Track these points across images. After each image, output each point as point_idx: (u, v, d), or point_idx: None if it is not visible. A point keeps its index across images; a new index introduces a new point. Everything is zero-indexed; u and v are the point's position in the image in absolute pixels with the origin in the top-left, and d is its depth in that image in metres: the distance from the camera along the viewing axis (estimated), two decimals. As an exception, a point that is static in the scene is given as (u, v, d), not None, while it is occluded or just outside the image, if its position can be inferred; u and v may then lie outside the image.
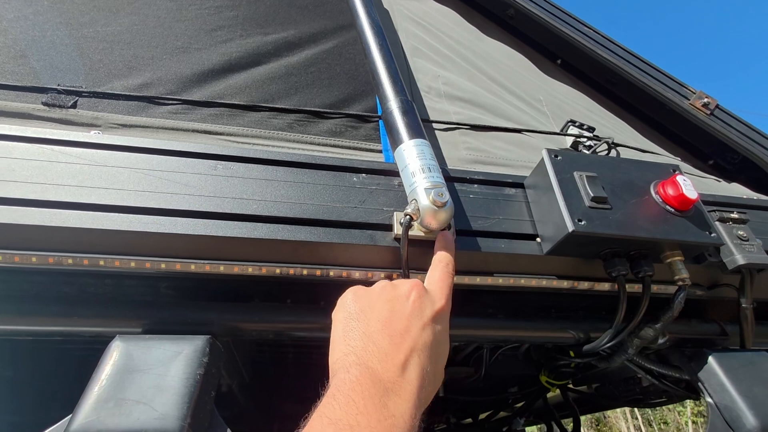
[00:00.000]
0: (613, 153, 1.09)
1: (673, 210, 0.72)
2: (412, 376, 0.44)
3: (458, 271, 0.73)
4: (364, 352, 0.46)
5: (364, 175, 0.77)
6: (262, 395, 1.15)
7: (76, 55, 0.90)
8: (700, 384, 0.74)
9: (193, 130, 0.82)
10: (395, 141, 0.74)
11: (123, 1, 1.08)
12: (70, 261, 0.61)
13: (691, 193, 0.71)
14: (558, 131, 1.12)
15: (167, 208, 0.65)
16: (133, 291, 0.68)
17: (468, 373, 0.99)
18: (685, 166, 1.16)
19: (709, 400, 0.72)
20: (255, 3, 1.21)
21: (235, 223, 0.66)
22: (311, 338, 0.73)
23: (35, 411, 1.08)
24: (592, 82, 1.41)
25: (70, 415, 0.51)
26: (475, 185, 0.81)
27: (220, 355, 0.62)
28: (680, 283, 0.72)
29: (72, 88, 0.82)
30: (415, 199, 0.66)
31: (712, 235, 0.71)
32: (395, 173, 0.78)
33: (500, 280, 0.74)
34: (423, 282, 0.58)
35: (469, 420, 1.49)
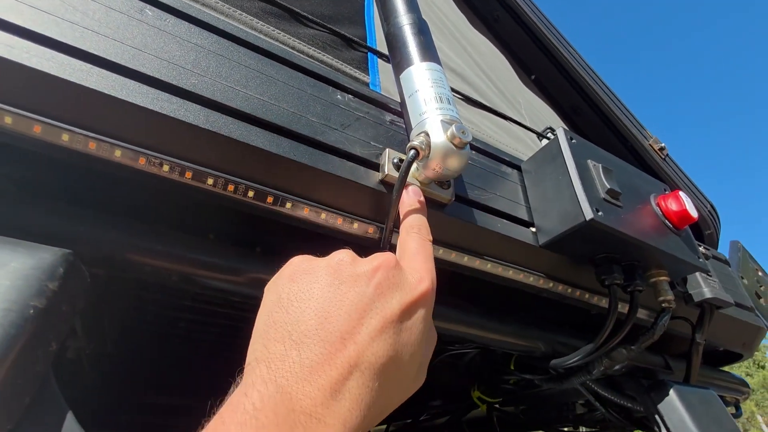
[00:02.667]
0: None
1: (671, 226, 0.67)
2: (344, 407, 0.27)
3: (447, 244, 0.58)
4: (281, 362, 0.28)
5: (350, 96, 0.58)
6: (122, 373, 0.84)
7: None
8: (657, 417, 0.69)
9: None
10: (402, 61, 0.58)
11: None
12: None
13: (693, 212, 0.66)
14: (539, 132, 1.05)
15: (42, 33, 0.39)
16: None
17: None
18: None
19: (666, 433, 0.66)
20: None
21: (157, 91, 0.42)
22: (232, 292, 0.50)
23: None
24: (559, 105, 1.41)
25: None
26: (474, 152, 0.68)
27: (85, 287, 0.37)
28: (665, 304, 0.66)
29: None
30: (425, 132, 0.49)
31: (701, 260, 0.67)
32: (389, 108, 0.61)
33: (488, 266, 0.60)
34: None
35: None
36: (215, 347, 0.89)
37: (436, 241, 0.56)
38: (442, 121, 0.49)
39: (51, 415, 0.28)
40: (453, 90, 0.89)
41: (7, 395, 0.26)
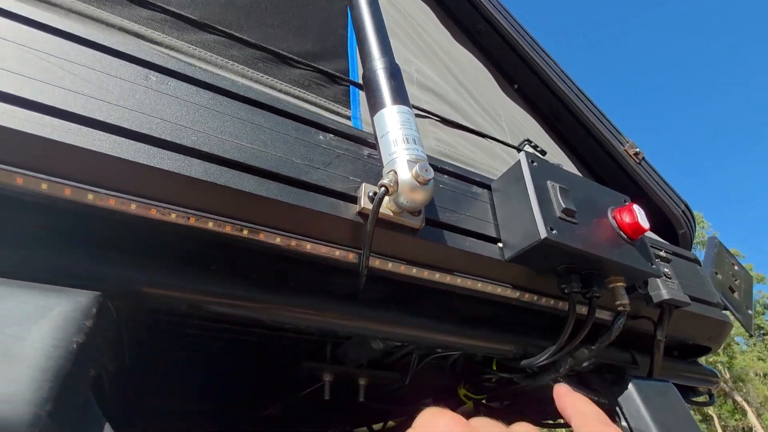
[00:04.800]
0: (559, 179, 1.12)
1: (625, 236, 0.74)
2: None
3: (419, 264, 0.66)
4: None
5: (331, 135, 0.66)
6: (135, 386, 0.93)
7: None
8: (617, 408, 0.77)
9: (121, 28, 0.63)
10: (376, 104, 0.65)
11: None
12: None
13: (644, 223, 0.73)
14: (516, 146, 1.13)
15: (66, 110, 0.47)
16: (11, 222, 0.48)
17: (394, 379, 0.91)
18: (611, 205, 1.25)
19: (624, 424, 0.74)
20: None
21: (163, 151, 0.50)
22: (233, 315, 0.59)
23: None
24: (541, 112, 1.47)
25: None
26: (446, 176, 0.75)
27: (112, 321, 0.45)
28: (621, 308, 0.73)
29: None
30: (394, 171, 0.57)
31: (653, 266, 0.75)
32: (367, 143, 0.68)
33: (458, 281, 0.68)
34: None
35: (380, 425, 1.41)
36: (220, 356, 0.98)
37: (410, 262, 0.65)
38: (408, 160, 0.57)
39: (96, 429, 0.37)
40: (431, 113, 0.96)
41: (59, 415, 0.35)
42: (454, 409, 0.98)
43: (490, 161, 0.98)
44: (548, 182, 0.72)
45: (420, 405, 1.18)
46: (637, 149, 1.26)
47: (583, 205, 0.74)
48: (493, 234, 0.73)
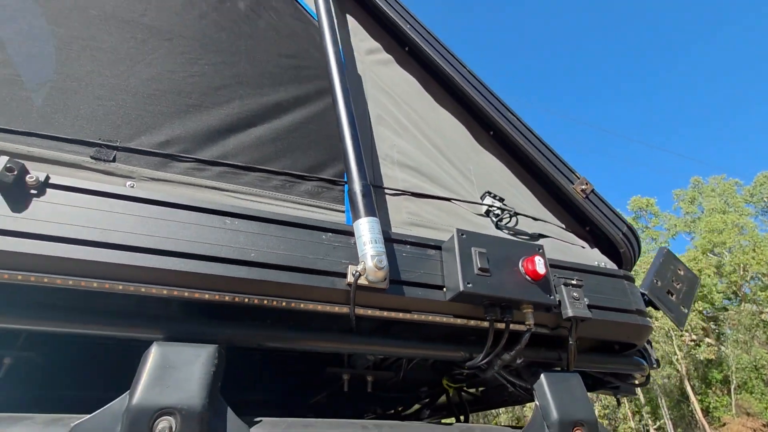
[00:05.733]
0: (513, 220, 1.48)
1: (530, 279, 1.11)
2: None
3: (390, 308, 1.08)
4: None
5: (330, 234, 1.09)
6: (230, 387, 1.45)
7: (110, 107, 1.14)
8: (534, 392, 1.14)
9: (206, 187, 1.09)
10: (356, 214, 1.07)
11: (141, 51, 1.31)
12: (120, 287, 0.88)
13: (541, 270, 1.10)
14: (478, 199, 1.50)
15: (187, 252, 0.93)
16: (163, 309, 0.96)
17: (390, 376, 1.34)
18: (565, 234, 1.58)
19: (536, 402, 1.12)
20: (252, 63, 1.47)
21: (240, 267, 0.95)
22: (283, 348, 1.04)
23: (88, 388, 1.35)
24: (512, 152, 1.81)
25: (127, 393, 0.79)
26: (408, 245, 1.16)
27: (223, 359, 0.91)
28: (527, 327, 1.11)
29: (110, 143, 1.06)
30: (363, 261, 0.99)
31: (551, 297, 1.11)
32: (352, 234, 1.11)
33: (415, 316, 1.09)
34: None
35: (392, 411, 1.86)
36: (282, 365, 1.47)
37: (381, 308, 1.06)
38: (371, 255, 0.99)
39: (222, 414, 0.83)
40: (404, 191, 1.36)
41: (211, 404, 0.81)
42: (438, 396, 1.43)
43: (450, 220, 1.36)
44: (472, 248, 1.11)
45: (415, 393, 1.68)
46: (585, 186, 1.58)
47: (500, 260, 1.12)
48: (441, 283, 1.13)
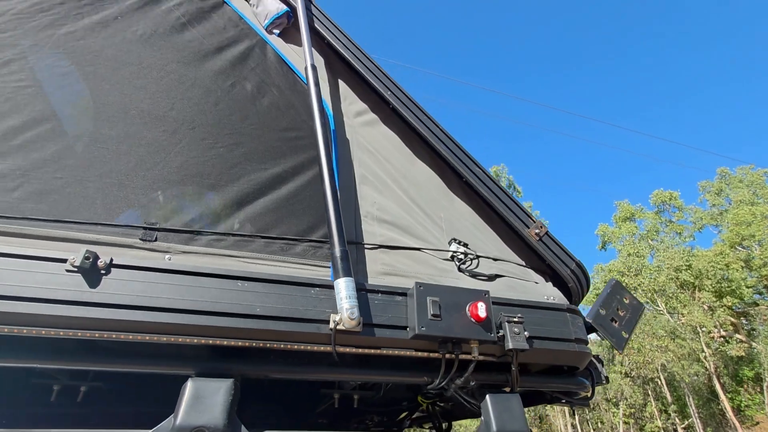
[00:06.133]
0: (475, 263, 1.78)
1: (474, 321, 1.41)
2: None
3: (364, 346, 1.40)
4: None
5: (317, 288, 1.42)
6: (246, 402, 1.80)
7: (151, 195, 1.50)
8: (482, 409, 1.45)
9: (224, 255, 1.44)
10: (336, 273, 1.40)
11: (171, 141, 1.67)
12: (164, 338, 1.23)
13: (482, 314, 1.40)
14: (446, 245, 1.80)
15: (211, 311, 1.27)
16: (194, 352, 1.31)
17: (372, 395, 1.66)
18: (523, 271, 1.87)
19: (481, 417, 1.42)
20: (258, 140, 1.82)
21: (249, 319, 1.29)
22: (284, 378, 1.38)
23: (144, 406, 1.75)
24: (480, 198, 2.10)
25: (173, 416, 1.14)
26: (379, 294, 1.48)
27: (238, 389, 1.26)
28: (473, 357, 1.41)
29: (153, 226, 1.42)
30: (340, 312, 1.32)
31: (491, 335, 1.42)
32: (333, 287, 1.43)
33: (384, 351, 1.41)
34: None
35: (385, 419, 2.19)
36: (289, 386, 1.81)
37: (356, 346, 1.39)
38: (346, 308, 1.31)
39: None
40: (381, 245, 1.68)
41: (231, 423, 1.15)
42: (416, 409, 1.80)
43: (419, 268, 1.67)
44: (427, 297, 1.42)
45: (398, 406, 2.06)
46: (539, 230, 1.86)
47: (450, 306, 1.42)
48: (405, 324, 1.44)
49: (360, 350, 1.39)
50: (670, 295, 25.15)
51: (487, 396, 1.45)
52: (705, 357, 23.89)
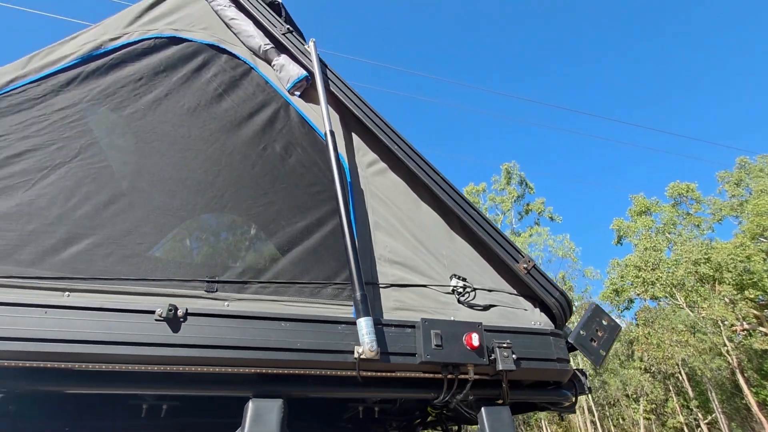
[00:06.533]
0: (472, 294, 2.12)
1: (469, 348, 1.76)
2: None
3: (382, 370, 1.76)
4: None
5: (343, 325, 1.79)
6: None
7: (211, 254, 1.89)
8: (478, 419, 1.79)
9: (269, 300, 1.82)
10: (357, 313, 1.76)
11: (221, 204, 2.06)
12: (229, 370, 1.61)
13: (476, 342, 1.75)
14: (447, 281, 2.15)
15: (263, 347, 1.65)
16: (254, 378, 1.69)
17: (390, 407, 2.00)
18: (514, 299, 2.20)
19: (478, 426, 1.77)
20: (287, 196, 2.20)
21: (293, 353, 1.66)
22: (321, 397, 1.75)
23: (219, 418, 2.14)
24: (477, 245, 2.43)
25: (240, 429, 1.52)
26: (392, 327, 1.83)
27: (286, 407, 1.63)
28: (469, 378, 1.76)
29: (214, 279, 1.81)
30: (362, 345, 1.68)
31: (484, 359, 1.76)
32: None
33: (398, 374, 1.77)
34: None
35: (404, 423, 2.55)
36: (315, 403, 2.19)
37: (375, 370, 1.75)
38: (366, 342, 1.68)
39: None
40: (393, 284, 2.04)
41: (283, 433, 1.52)
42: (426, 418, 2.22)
43: (425, 302, 2.02)
44: (431, 331, 1.77)
45: (412, 415, 2.50)
46: (526, 264, 2.19)
47: (450, 337, 1.78)
48: (414, 351, 1.79)
49: (378, 374, 1.75)
50: (690, 288, 24.85)
51: (482, 408, 1.80)
52: (727, 351, 23.59)
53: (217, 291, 1.80)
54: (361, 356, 1.68)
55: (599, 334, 2.15)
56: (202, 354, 1.59)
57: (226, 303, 1.78)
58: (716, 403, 23.23)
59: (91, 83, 2.27)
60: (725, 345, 23.15)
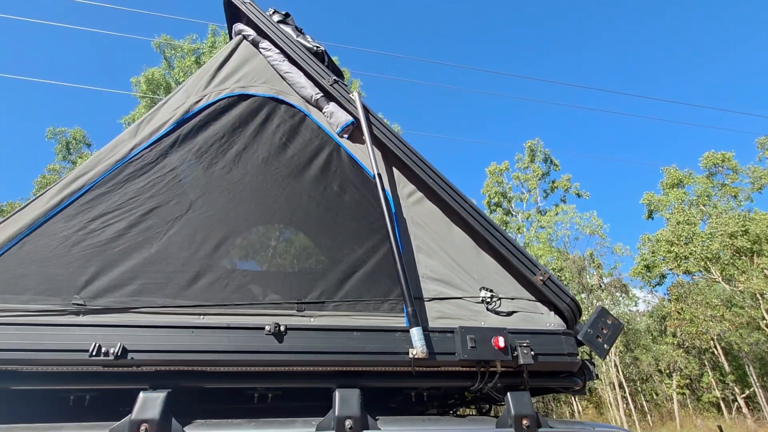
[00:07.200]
0: (498, 303, 2.65)
1: (496, 348, 2.31)
2: None
3: (430, 366, 2.34)
4: None
5: (400, 333, 2.36)
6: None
7: (298, 280, 2.49)
8: (505, 401, 2.35)
9: (344, 315, 2.41)
10: (410, 323, 2.33)
11: (295, 238, 2.65)
12: (320, 369, 2.22)
13: (501, 344, 2.30)
14: (478, 293, 2.68)
15: (342, 351, 2.25)
16: (334, 373, 2.30)
17: (435, 392, 2.58)
18: (533, 305, 2.71)
19: (504, 407, 2.33)
20: (346, 229, 2.76)
21: (366, 355, 2.26)
22: (380, 386, 2.36)
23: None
24: (502, 261, 2.93)
25: (331, 411, 2.14)
26: (437, 333, 2.40)
27: (363, 394, 2.23)
28: (497, 370, 2.31)
29: (301, 300, 2.41)
30: (416, 348, 2.25)
31: (508, 356, 2.31)
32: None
33: (443, 368, 2.34)
34: None
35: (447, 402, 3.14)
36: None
37: (426, 366, 2.32)
38: (418, 346, 2.25)
39: None
40: (435, 297, 2.60)
41: None
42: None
43: (461, 311, 2.56)
44: (467, 335, 2.32)
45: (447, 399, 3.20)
46: (542, 276, 2.69)
47: (482, 340, 2.32)
48: (453, 351, 2.36)
49: (427, 368, 2.33)
50: (726, 262, 24.29)
51: (508, 393, 2.35)
52: (766, 324, 23.11)
53: (304, 310, 2.40)
54: (415, 356, 2.25)
55: (604, 331, 2.65)
56: (299, 358, 2.21)
57: (311, 319, 2.39)
58: (754, 377, 22.94)
59: (188, 144, 2.87)
60: (764, 318, 22.69)
